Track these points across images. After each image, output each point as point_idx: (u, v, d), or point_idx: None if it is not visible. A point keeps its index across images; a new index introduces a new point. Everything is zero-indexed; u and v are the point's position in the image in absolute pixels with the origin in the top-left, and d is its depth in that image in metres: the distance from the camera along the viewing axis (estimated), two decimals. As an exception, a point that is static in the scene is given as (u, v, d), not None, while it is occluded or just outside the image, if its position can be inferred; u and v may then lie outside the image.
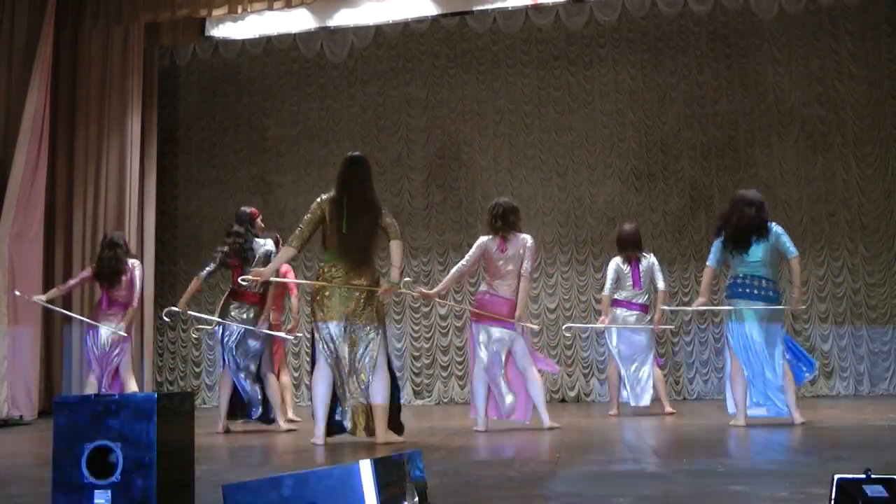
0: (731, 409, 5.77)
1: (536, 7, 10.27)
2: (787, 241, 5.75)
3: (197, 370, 10.74)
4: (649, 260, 7.34)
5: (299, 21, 10.36)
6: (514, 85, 10.50)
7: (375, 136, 10.67)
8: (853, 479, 1.99)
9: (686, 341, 9.74)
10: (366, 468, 2.09)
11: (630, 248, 7.28)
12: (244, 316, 6.25)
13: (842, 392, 9.36)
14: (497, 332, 5.82)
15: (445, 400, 10.07)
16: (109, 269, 7.18)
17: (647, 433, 5.45)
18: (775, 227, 5.76)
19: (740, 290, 5.71)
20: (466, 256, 6.07)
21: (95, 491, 2.40)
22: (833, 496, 2.00)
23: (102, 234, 7.97)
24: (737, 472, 3.34)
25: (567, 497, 2.74)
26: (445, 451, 4.43)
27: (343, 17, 10.29)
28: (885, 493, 1.95)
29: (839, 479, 2.00)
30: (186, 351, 10.81)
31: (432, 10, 10.25)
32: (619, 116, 10.28)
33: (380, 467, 2.13)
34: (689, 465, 3.64)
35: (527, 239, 5.94)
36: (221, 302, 6.52)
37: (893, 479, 1.98)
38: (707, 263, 6.01)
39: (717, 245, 5.88)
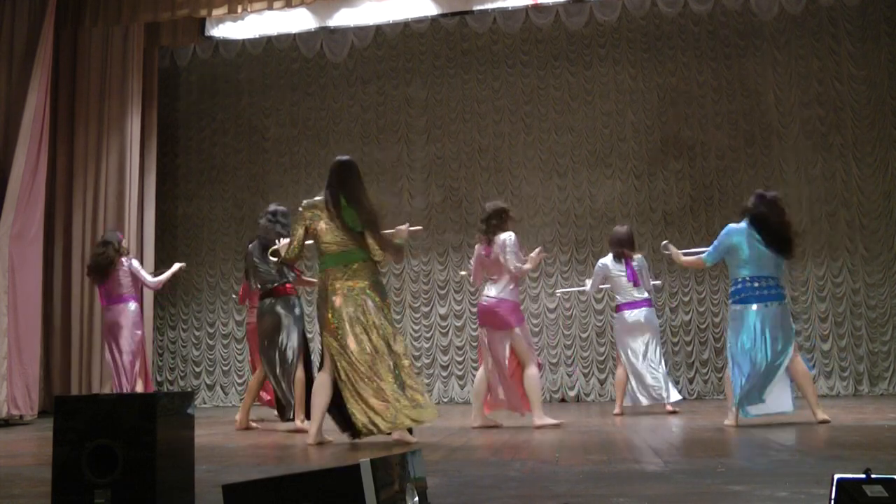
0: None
1: (536, 7, 10.27)
2: None
3: (197, 370, 10.74)
4: (640, 259, 7.47)
5: (299, 21, 10.36)
6: (514, 85, 10.50)
7: (375, 136, 10.66)
8: (853, 479, 1.99)
9: (686, 341, 9.74)
10: (366, 468, 2.09)
11: (627, 246, 7.38)
12: (296, 311, 6.33)
13: (842, 392, 9.36)
14: (496, 334, 6.11)
15: (445, 400, 10.06)
16: (96, 265, 7.49)
17: (646, 433, 5.44)
18: None
19: (756, 293, 5.63)
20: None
21: (95, 490, 2.40)
22: (833, 496, 1.99)
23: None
24: (737, 472, 3.33)
25: (567, 497, 2.74)
26: (445, 451, 4.43)
27: (343, 17, 10.30)
28: (884, 493, 1.95)
29: (839, 479, 2.00)
30: (186, 351, 10.81)
31: (432, 10, 10.25)
32: (619, 116, 10.28)
33: (380, 467, 2.13)
34: (689, 465, 3.64)
35: (504, 238, 6.02)
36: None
37: (893, 479, 1.98)
38: (703, 258, 5.94)
39: (724, 244, 5.76)
